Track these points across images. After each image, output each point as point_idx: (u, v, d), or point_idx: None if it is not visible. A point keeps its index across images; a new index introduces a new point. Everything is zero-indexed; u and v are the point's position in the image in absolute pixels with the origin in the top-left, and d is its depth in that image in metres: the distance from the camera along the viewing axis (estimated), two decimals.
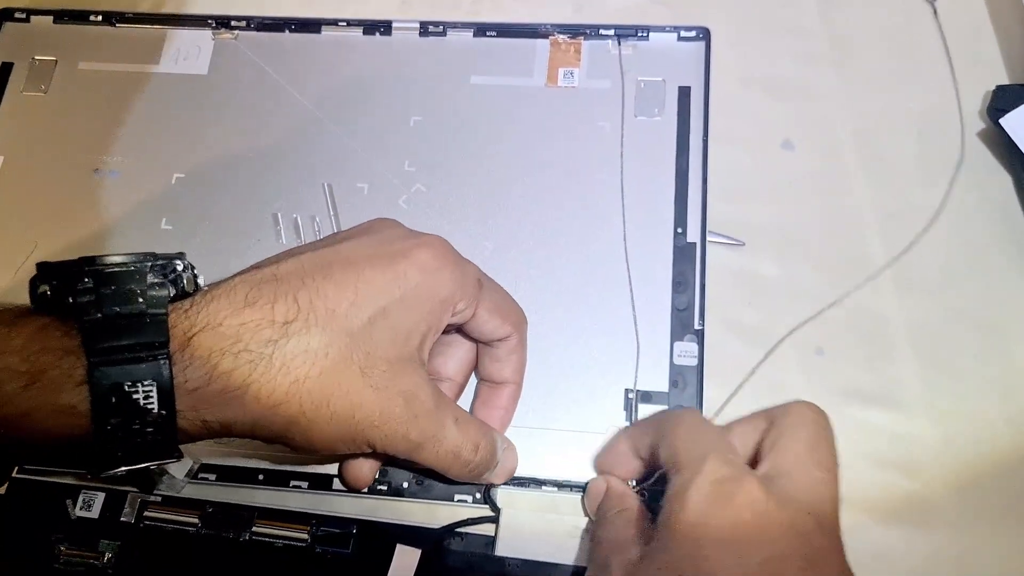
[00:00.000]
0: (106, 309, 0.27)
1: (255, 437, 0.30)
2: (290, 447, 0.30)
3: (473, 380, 0.39)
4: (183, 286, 0.29)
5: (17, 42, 0.50)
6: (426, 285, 0.32)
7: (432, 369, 0.37)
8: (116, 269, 0.28)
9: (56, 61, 0.49)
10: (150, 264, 0.28)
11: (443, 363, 0.37)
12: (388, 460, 0.38)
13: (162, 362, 0.27)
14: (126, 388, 0.27)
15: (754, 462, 0.32)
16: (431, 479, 0.38)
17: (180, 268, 0.29)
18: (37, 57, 0.49)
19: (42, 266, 0.28)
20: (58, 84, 0.48)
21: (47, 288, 0.28)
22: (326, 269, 0.30)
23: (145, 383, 0.27)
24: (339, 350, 0.29)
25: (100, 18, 0.50)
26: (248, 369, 0.28)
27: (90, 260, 0.28)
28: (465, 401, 0.39)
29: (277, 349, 0.28)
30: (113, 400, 0.27)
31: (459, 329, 0.36)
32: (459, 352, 0.38)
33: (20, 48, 0.49)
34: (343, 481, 0.37)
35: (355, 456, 0.36)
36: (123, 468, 0.28)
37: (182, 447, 0.29)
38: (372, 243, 0.32)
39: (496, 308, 0.35)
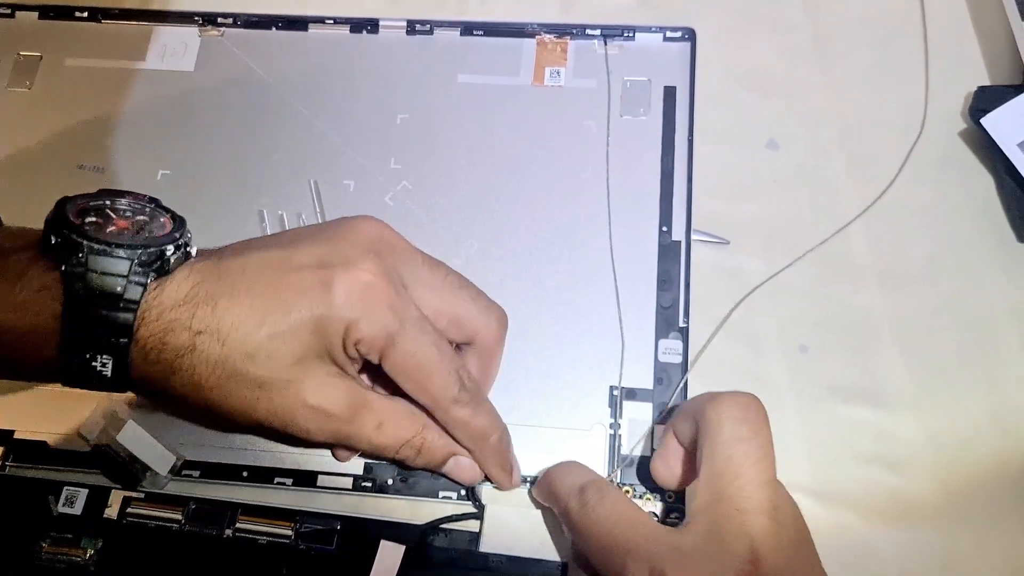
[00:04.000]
0: (90, 283, 0.31)
1: (186, 418, 0.34)
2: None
3: None
4: (168, 269, 0.32)
5: (2, 37, 0.49)
6: (332, 316, 0.32)
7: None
8: (110, 257, 0.31)
9: (41, 57, 0.49)
10: (140, 252, 0.31)
11: None
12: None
13: (122, 341, 0.31)
14: (86, 356, 0.31)
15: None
16: (416, 475, 0.38)
17: (169, 253, 0.32)
18: (22, 53, 0.49)
19: (59, 211, 0.32)
20: (43, 80, 0.48)
21: (56, 239, 0.31)
22: (256, 278, 0.32)
23: (103, 356, 0.31)
24: (234, 365, 0.32)
25: (86, 14, 0.49)
26: (171, 360, 0.32)
27: (92, 235, 0.31)
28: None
29: (187, 354, 0.31)
30: (76, 362, 0.31)
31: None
32: None
33: (5, 44, 0.49)
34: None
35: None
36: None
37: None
38: (311, 256, 0.33)
39: (407, 373, 0.33)
